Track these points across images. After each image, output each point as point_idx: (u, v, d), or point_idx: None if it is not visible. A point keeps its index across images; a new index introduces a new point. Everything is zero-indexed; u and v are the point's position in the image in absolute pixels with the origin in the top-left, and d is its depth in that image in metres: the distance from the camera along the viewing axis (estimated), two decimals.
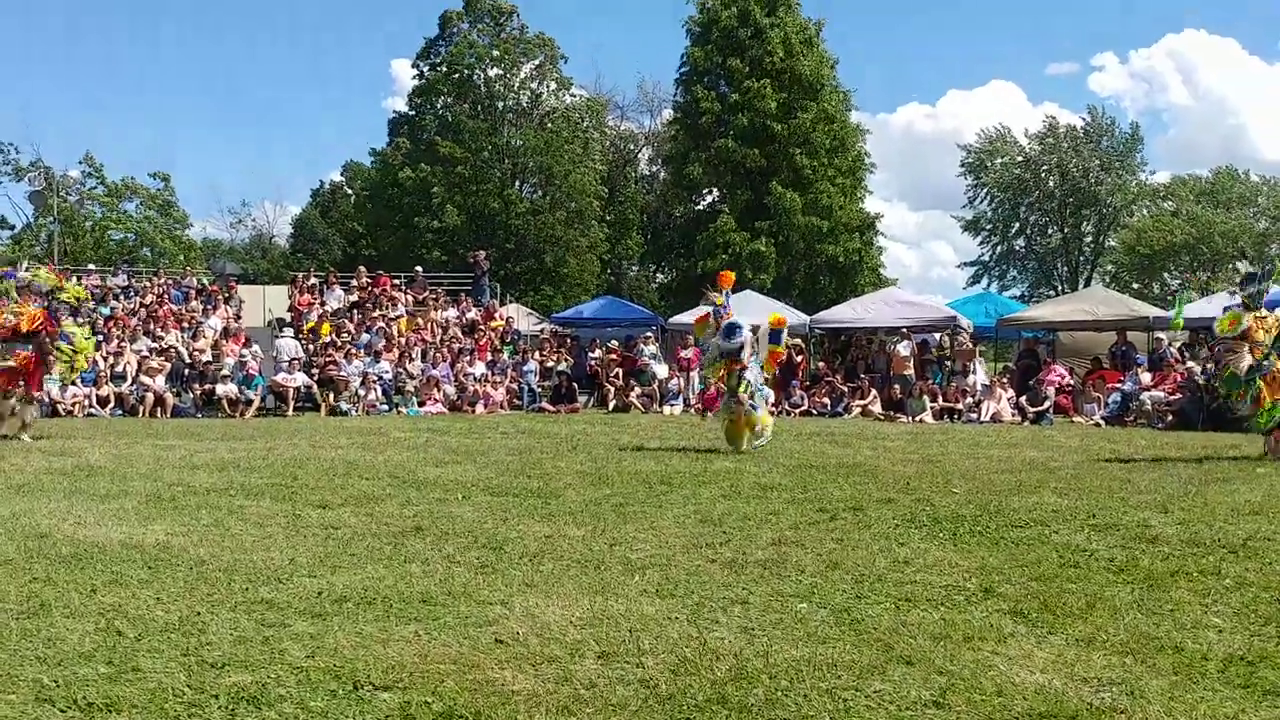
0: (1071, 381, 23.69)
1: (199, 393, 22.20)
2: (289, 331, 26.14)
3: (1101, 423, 20.41)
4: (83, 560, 6.53)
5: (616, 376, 25.27)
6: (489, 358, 26.09)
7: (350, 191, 67.96)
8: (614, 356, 26.14)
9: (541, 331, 31.04)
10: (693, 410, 23.67)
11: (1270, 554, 6.70)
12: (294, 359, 23.52)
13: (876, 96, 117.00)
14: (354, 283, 29.81)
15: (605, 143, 58.45)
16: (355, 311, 27.61)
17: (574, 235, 51.91)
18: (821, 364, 26.22)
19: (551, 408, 23.92)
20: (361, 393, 22.64)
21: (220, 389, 21.95)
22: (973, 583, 5.99)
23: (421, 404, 23.10)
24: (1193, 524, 7.80)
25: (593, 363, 27.11)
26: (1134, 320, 24.66)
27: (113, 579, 6.05)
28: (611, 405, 24.39)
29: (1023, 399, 21.66)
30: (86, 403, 21.41)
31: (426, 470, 11.30)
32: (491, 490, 9.74)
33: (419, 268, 33.36)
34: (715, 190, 47.84)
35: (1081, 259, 63.58)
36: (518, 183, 53.94)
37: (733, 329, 13.60)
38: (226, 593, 5.75)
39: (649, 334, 27.30)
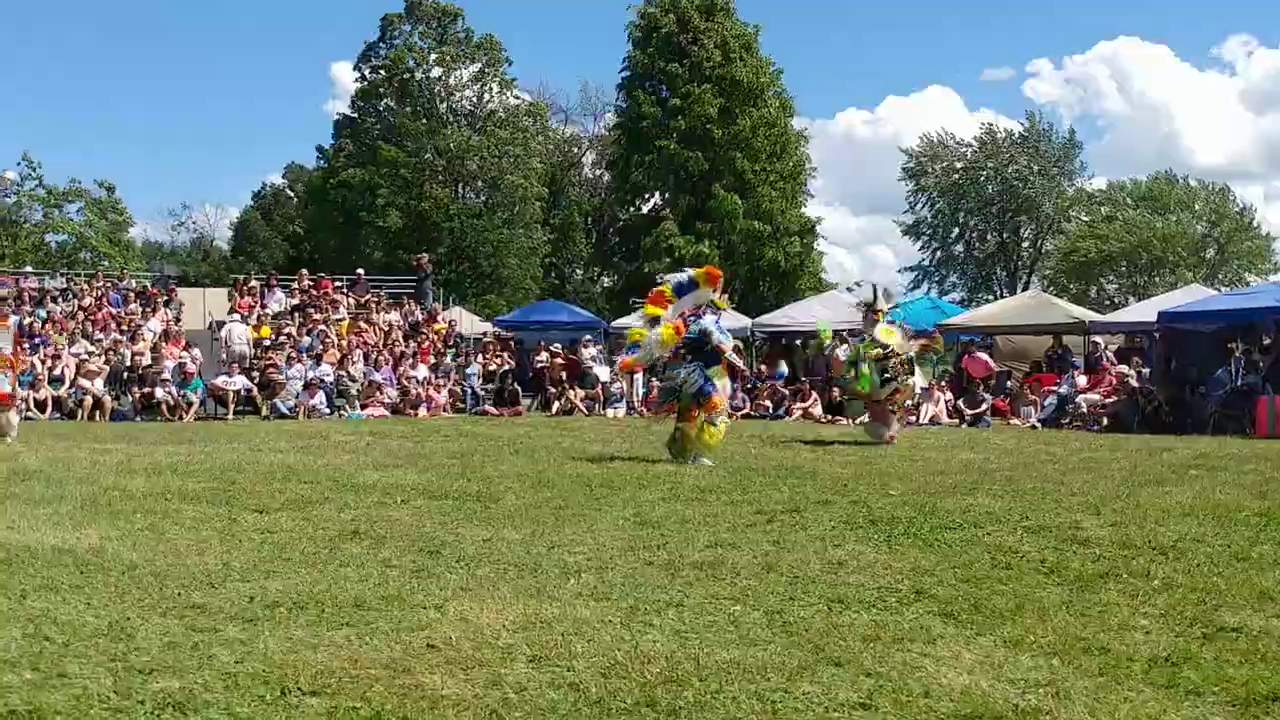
0: (1010, 384, 24.00)
1: (138, 396, 21.91)
2: (235, 316, 25.90)
3: (1038, 425, 20.69)
4: (13, 565, 6.41)
5: (560, 379, 25.25)
6: (432, 361, 25.99)
7: (292, 194, 67.43)
8: (557, 360, 26.12)
9: (485, 335, 30.96)
10: (636, 413, 23.72)
11: (1199, 555, 6.80)
12: (242, 352, 23.36)
13: (816, 102, 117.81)
14: (295, 285, 29.57)
15: (549, 146, 58.40)
16: (297, 314, 27.38)
17: (516, 238, 51.79)
18: (763, 366, 26.35)
19: (494, 411, 23.86)
20: (303, 396, 22.45)
21: (159, 392, 21.68)
22: (905, 584, 6.03)
23: (363, 407, 22.96)
24: (1124, 526, 7.89)
25: (536, 366, 27.08)
26: (1070, 325, 24.98)
27: (44, 584, 5.94)
28: (555, 408, 24.36)
29: (960, 402, 21.89)
30: (23, 406, 21.05)
31: (366, 474, 11.22)
32: (431, 494, 9.68)
33: (361, 270, 33.16)
34: (658, 194, 48.03)
35: (1020, 264, 64.29)
36: (460, 186, 53.77)
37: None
38: (158, 598, 5.67)
39: (591, 337, 27.31)
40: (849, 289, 17.00)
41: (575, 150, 62.09)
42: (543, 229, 54.13)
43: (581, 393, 24.76)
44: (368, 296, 29.92)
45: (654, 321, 13.04)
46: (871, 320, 16.18)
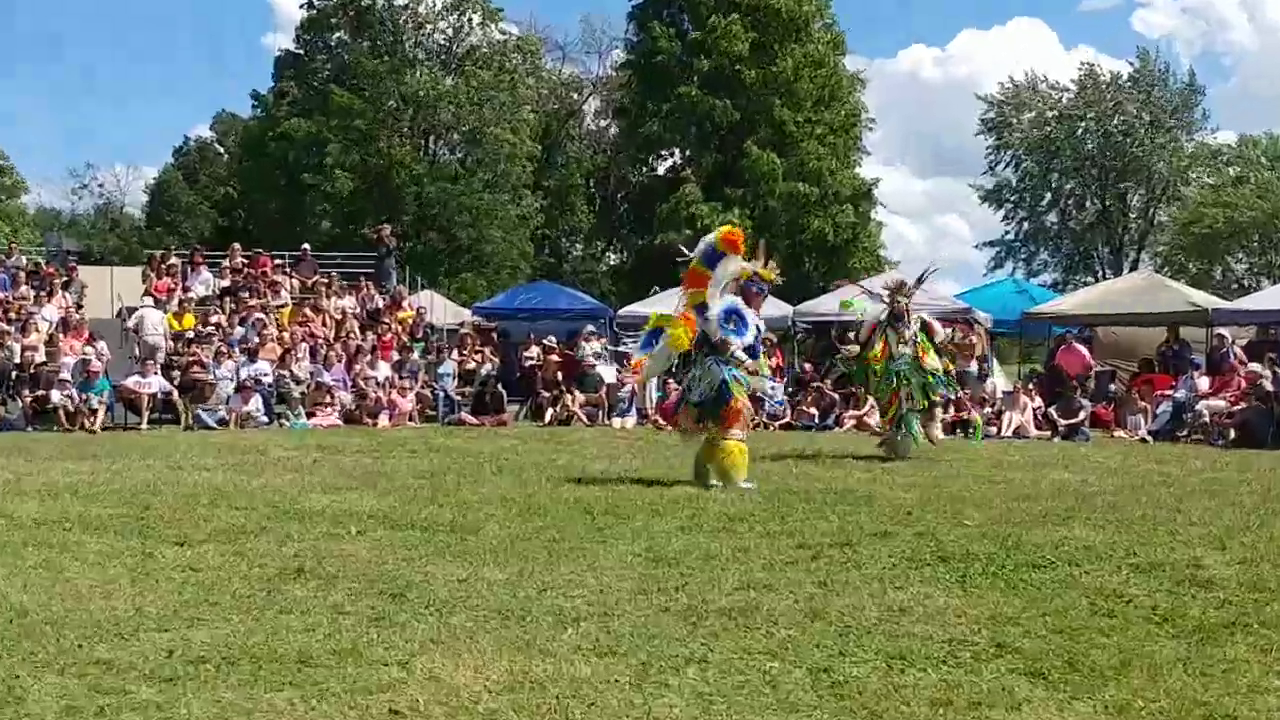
0: (1114, 388, 23.95)
1: (29, 401, 21.94)
2: (150, 301, 25.94)
3: (1149, 438, 20.61)
4: None
5: (555, 381, 25.24)
6: (395, 357, 25.97)
7: (222, 150, 67.55)
8: (552, 356, 26.09)
9: (461, 325, 30.92)
10: (649, 423, 23.70)
11: None
12: (159, 346, 23.38)
13: (875, 38, 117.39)
14: (226, 263, 29.59)
15: (542, 91, 58.36)
16: (228, 299, 27.40)
17: (500, 205, 51.75)
18: (807, 366, 26.32)
19: (473, 420, 23.85)
20: (235, 401, 22.48)
21: (56, 396, 21.71)
22: (982, 636, 6.02)
23: (310, 415, 22.96)
24: (1255, 564, 7.90)
25: (525, 364, 27.02)
26: (1189, 314, 24.89)
27: None
28: (548, 416, 24.34)
29: (1052, 409, 21.86)
30: None
31: (313, 498, 11.24)
32: (393, 523, 9.70)
33: (307, 245, 33.18)
34: (677, 150, 48.00)
35: (1126, 238, 64.10)
36: (431, 140, 53.76)
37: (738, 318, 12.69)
38: (55, 651, 5.68)
39: (593, 328, 27.28)
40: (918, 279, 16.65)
41: (575, 96, 62.13)
42: (534, 194, 54.13)
43: (581, 397, 24.74)
44: (315, 277, 29.88)
45: (701, 309, 12.64)
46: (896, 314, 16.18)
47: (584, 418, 24.21)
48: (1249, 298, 31.61)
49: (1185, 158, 62.57)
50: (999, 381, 24.02)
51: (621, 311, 30.39)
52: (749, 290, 12.90)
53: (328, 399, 23.41)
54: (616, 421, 23.95)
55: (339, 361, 24.76)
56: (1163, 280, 30.02)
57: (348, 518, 9.97)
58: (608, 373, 25.64)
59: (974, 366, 24.12)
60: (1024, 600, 6.83)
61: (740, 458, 12.33)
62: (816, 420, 23.38)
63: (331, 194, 49.28)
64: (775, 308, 27.78)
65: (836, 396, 23.92)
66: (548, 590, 7.09)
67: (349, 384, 24.33)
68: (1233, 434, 19.92)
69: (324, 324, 27.15)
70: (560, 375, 25.47)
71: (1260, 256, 60.99)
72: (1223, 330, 23.59)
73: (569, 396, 24.62)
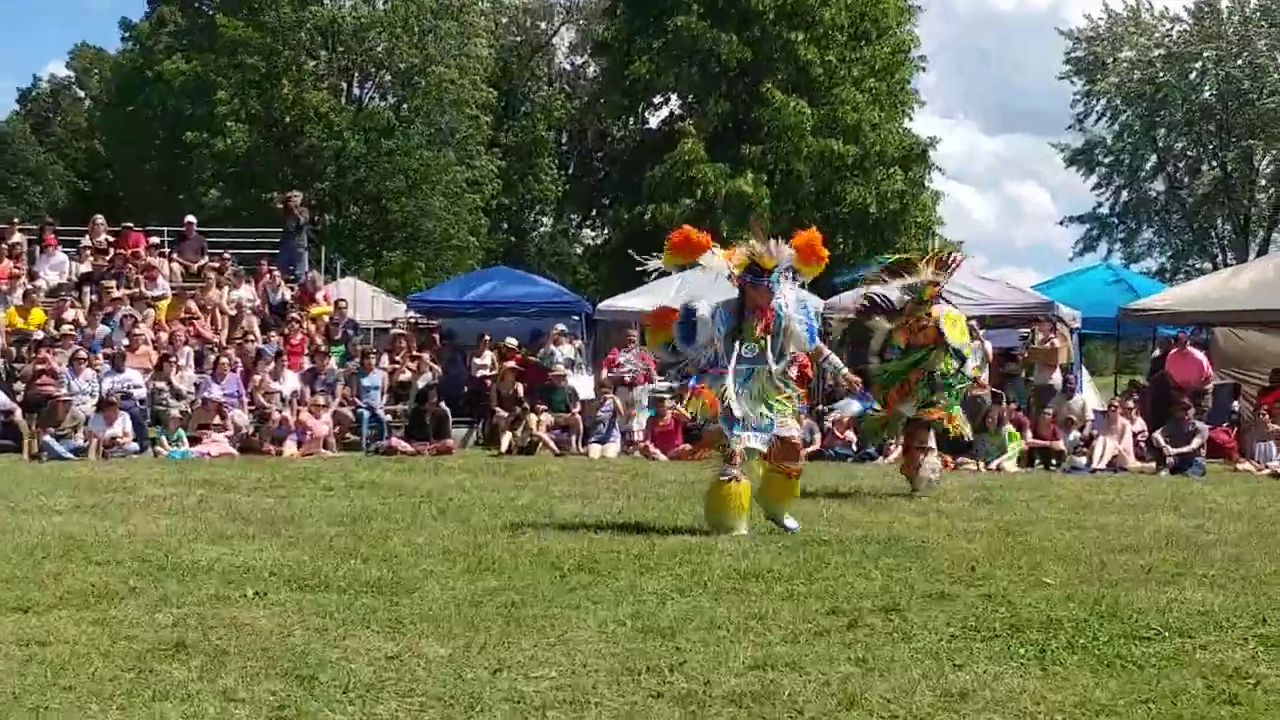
0: (1238, 406, 23.98)
1: None
2: None
3: None
4: None
5: (514, 397, 25.26)
6: (306, 366, 25.97)
7: (84, 94, 67.44)
8: (511, 364, 26.11)
9: (393, 324, 30.95)
10: (637, 451, 23.72)
11: None
12: None
13: None
14: (86, 242, 29.56)
15: (500, 19, 58.34)
16: (88, 289, 27.37)
17: (445, 166, 51.65)
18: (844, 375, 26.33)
19: (408, 447, 23.85)
20: (96, 423, 22.45)
21: None
22: None
23: (194, 441, 22.95)
24: None
25: (477, 375, 27.03)
26: None
27: None
28: (506, 443, 24.36)
29: (1158, 434, 21.90)
30: None
31: (198, 550, 11.21)
32: (303, 582, 9.68)
33: (192, 218, 33.18)
34: (674, 97, 47.98)
35: (1254, 212, 64.16)
36: (354, 83, 53.65)
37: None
38: None
39: (564, 328, 27.29)
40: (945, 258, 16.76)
41: (542, 27, 62.16)
42: (490, 153, 54.06)
43: (549, 418, 24.77)
44: (203, 261, 29.90)
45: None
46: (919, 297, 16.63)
47: (552, 444, 24.25)
48: None
49: None
50: (1090, 398, 24.13)
51: (602, 305, 30.34)
52: (744, 284, 12.85)
53: (217, 420, 23.39)
54: (595, 449, 24.00)
55: (233, 371, 24.72)
56: None
57: (243, 576, 9.94)
58: (584, 385, 25.65)
59: (1057, 378, 24.19)
60: (1121, 682, 6.83)
61: (736, 500, 12.71)
62: (855, 448, 23.40)
63: (223, 152, 49.09)
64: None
65: None
66: (504, 670, 7.07)
67: (245, 400, 24.31)
68: None
69: (213, 322, 27.12)
70: (522, 389, 25.48)
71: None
72: None
73: (533, 417, 24.64)
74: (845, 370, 14.06)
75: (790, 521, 12.69)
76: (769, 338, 12.63)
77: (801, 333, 12.72)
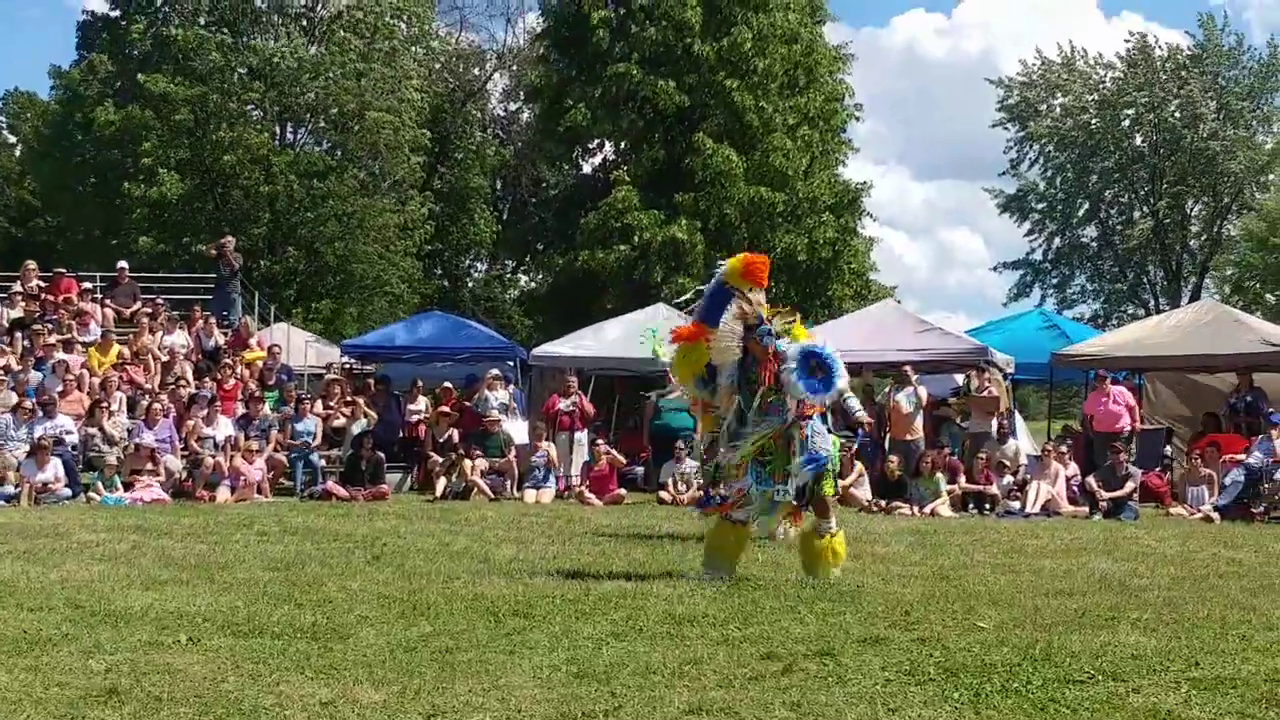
0: (1170, 451, 24.13)
1: None
2: None
3: (1215, 515, 20.80)
4: None
5: (449, 442, 25.22)
6: (240, 411, 25.88)
7: (15, 139, 67.06)
8: (446, 410, 26.08)
9: (327, 369, 30.85)
10: (572, 496, 23.72)
11: None
12: None
13: (863, 2, 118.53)
14: (17, 287, 29.38)
15: (434, 64, 58.34)
16: (19, 334, 27.20)
17: (378, 211, 51.49)
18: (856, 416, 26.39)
19: (342, 492, 23.77)
20: (27, 469, 22.30)
21: None
22: None
23: (127, 487, 22.81)
24: None
25: (411, 420, 26.97)
26: (1267, 355, 25.13)
27: None
28: (441, 488, 24.31)
29: (1091, 478, 22.03)
30: None
31: (131, 596, 11.15)
32: (236, 629, 9.63)
33: (124, 264, 33.02)
34: (609, 143, 48.04)
35: (1186, 258, 64.65)
36: (285, 128, 53.50)
37: (820, 364, 12.44)
38: None
39: (499, 373, 27.26)
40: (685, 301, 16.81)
41: (476, 73, 62.20)
42: (422, 197, 54.00)
43: (484, 463, 24.73)
44: (136, 306, 29.76)
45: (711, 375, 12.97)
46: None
47: (487, 489, 24.20)
48: None
49: (1264, 155, 62.67)
50: (1023, 443, 24.25)
51: (536, 351, 30.34)
52: (750, 343, 12.70)
53: (150, 466, 23.26)
54: (530, 494, 23.99)
55: (165, 417, 24.60)
56: (1233, 313, 30.15)
57: (176, 621, 9.89)
58: (518, 430, 25.63)
59: (993, 425, 24.33)
60: None
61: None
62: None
63: (156, 200, 48.81)
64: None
65: None
66: (439, 716, 7.08)
67: (179, 446, 24.19)
68: None
69: (146, 368, 26.99)
70: (456, 435, 25.45)
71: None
72: None
73: (468, 462, 24.60)
74: (859, 412, 14.34)
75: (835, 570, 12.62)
76: (777, 393, 12.48)
77: (795, 381, 12.24)
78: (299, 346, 33.87)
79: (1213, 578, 12.96)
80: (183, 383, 26.49)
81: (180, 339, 28.70)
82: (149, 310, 29.41)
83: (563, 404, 25.91)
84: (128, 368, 26.63)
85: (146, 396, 25.33)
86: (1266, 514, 20.83)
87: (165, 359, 27.54)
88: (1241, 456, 22.14)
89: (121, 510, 21.03)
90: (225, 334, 29.65)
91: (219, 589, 11.64)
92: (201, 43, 49.43)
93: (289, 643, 9.08)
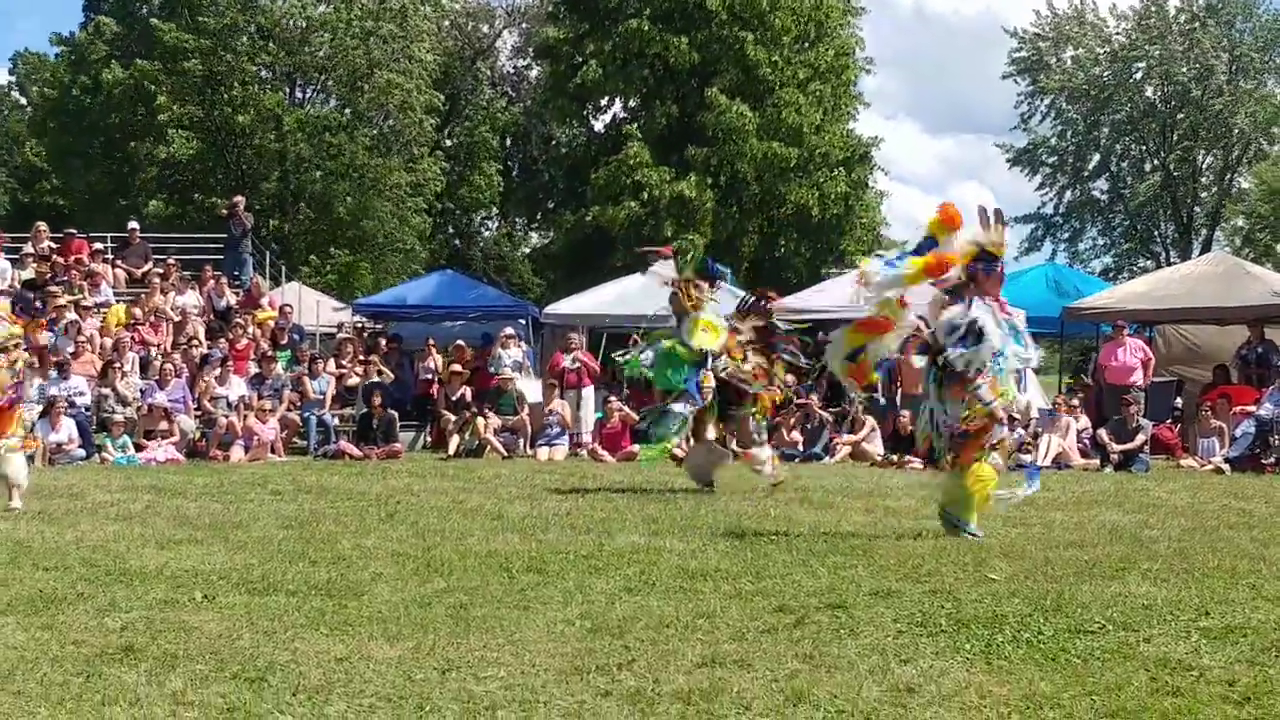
0: (1181, 403, 24.12)
1: None
2: None
3: (1226, 467, 20.79)
4: None
5: (462, 401, 25.20)
6: (252, 371, 25.86)
7: (24, 101, 66.94)
8: (458, 369, 26.06)
9: (340, 328, 30.83)
10: (586, 452, 23.72)
11: None
12: None
13: None
14: (28, 249, 29.37)
15: (443, 22, 58.14)
16: (31, 296, 27.18)
17: (390, 171, 51.40)
18: (790, 378, 26.39)
19: (356, 451, 23.78)
20: (41, 429, 22.33)
21: None
22: None
23: (140, 447, 22.83)
24: None
25: (424, 379, 26.96)
26: (1277, 306, 25.05)
27: None
28: (454, 446, 24.31)
29: (1102, 431, 22.01)
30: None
31: (145, 555, 11.17)
32: (251, 586, 9.66)
33: (135, 225, 32.97)
34: (620, 101, 47.93)
35: (1198, 211, 64.45)
36: (295, 88, 53.34)
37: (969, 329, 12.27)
38: None
39: (512, 332, 27.24)
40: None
41: (485, 30, 61.99)
42: (433, 156, 53.91)
43: (497, 421, 24.72)
44: (148, 266, 29.71)
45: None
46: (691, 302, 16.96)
47: (500, 447, 24.18)
48: None
49: (1274, 108, 62.36)
50: (1034, 397, 24.20)
51: (548, 310, 30.32)
52: (976, 273, 12.43)
53: (164, 426, 23.27)
54: (543, 452, 23.94)
55: (178, 377, 24.59)
56: (1243, 265, 29.99)
57: (191, 580, 9.91)
58: (530, 389, 25.59)
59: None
60: (1066, 676, 6.88)
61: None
62: (802, 448, 23.46)
63: (166, 159, 48.75)
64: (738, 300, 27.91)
65: (828, 417, 24.02)
66: (453, 670, 7.09)
67: (192, 406, 24.19)
68: None
69: (158, 328, 26.97)
70: (469, 393, 25.42)
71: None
72: None
73: (480, 420, 24.58)
74: None
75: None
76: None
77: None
78: (310, 306, 33.83)
79: (1223, 529, 12.96)
80: (195, 343, 26.43)
81: (192, 299, 28.65)
82: (160, 271, 29.36)
83: (566, 360, 25.85)
84: (140, 328, 26.60)
85: (159, 357, 25.31)
86: (1277, 465, 20.82)
87: (177, 319, 27.51)
88: (1252, 408, 22.12)
89: (135, 470, 21.05)
90: (237, 294, 29.58)
91: (233, 548, 11.65)
92: (213, 3, 49.27)
93: (304, 600, 9.10)
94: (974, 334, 12.11)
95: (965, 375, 12.16)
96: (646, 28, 43.07)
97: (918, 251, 12.71)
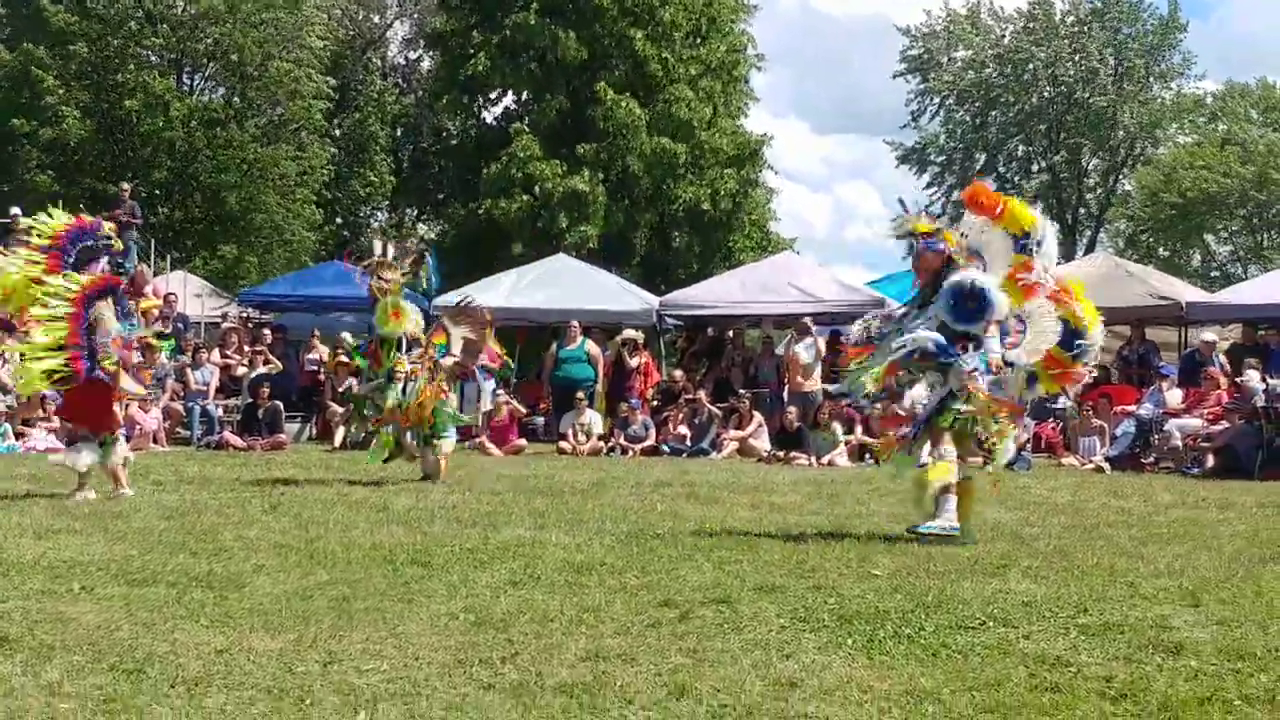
0: (1062, 403, 24.36)
1: None
2: None
3: (1106, 466, 21.06)
4: None
5: (349, 392, 25.09)
6: (136, 360, 25.61)
7: None
8: (344, 360, 25.94)
9: (224, 318, 30.62)
10: (474, 446, 23.68)
11: None
12: None
13: None
14: None
15: (332, 11, 57.82)
16: None
17: (277, 159, 51.01)
18: (677, 373, 26.48)
19: (239, 442, 23.64)
20: None
21: None
22: (894, 716, 6.13)
23: (19, 435, 22.59)
24: (1236, 625, 8.10)
25: (310, 369, 26.82)
26: (1158, 307, 25.38)
27: None
28: (339, 438, 24.21)
29: None
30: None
31: (23, 545, 11.03)
32: (130, 577, 9.55)
33: (17, 210, 32.51)
34: (510, 94, 47.89)
35: (1083, 211, 65.20)
36: (185, 74, 52.86)
37: (974, 295, 11.94)
38: None
39: None
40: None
41: (376, 20, 61.71)
42: (322, 143, 53.54)
43: None
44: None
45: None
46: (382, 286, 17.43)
47: None
48: (1234, 288, 32.33)
49: (1159, 111, 63.08)
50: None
51: (437, 301, 30.19)
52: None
53: (43, 413, 23.03)
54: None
55: None
56: (1125, 266, 30.42)
57: (69, 570, 9.80)
58: None
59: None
60: (946, 671, 6.94)
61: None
62: (689, 443, 23.55)
63: (53, 140, 48.13)
64: (637, 299, 28.01)
65: (716, 412, 24.11)
66: (335, 663, 7.05)
67: None
68: (1211, 461, 20.38)
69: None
70: (355, 384, 25.32)
71: (1249, 236, 61.78)
72: (1204, 332, 24.00)
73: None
74: None
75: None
76: None
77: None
78: (194, 295, 33.57)
79: (1102, 527, 13.12)
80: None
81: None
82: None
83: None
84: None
85: None
86: (1155, 464, 21.10)
87: None
88: (1132, 408, 22.41)
89: (13, 459, 20.82)
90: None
91: (113, 538, 11.52)
92: None
93: (184, 591, 9.01)
94: (976, 298, 11.87)
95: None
96: (533, 21, 43.05)
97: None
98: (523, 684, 6.62)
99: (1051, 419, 23.47)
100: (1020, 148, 65.71)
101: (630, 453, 23.25)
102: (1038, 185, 63.88)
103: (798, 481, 18.07)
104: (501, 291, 28.48)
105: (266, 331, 28.25)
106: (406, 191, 57.84)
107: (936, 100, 64.75)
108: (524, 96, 47.01)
